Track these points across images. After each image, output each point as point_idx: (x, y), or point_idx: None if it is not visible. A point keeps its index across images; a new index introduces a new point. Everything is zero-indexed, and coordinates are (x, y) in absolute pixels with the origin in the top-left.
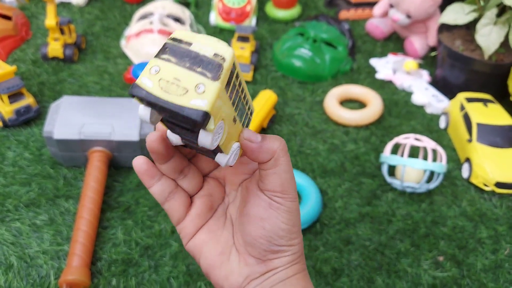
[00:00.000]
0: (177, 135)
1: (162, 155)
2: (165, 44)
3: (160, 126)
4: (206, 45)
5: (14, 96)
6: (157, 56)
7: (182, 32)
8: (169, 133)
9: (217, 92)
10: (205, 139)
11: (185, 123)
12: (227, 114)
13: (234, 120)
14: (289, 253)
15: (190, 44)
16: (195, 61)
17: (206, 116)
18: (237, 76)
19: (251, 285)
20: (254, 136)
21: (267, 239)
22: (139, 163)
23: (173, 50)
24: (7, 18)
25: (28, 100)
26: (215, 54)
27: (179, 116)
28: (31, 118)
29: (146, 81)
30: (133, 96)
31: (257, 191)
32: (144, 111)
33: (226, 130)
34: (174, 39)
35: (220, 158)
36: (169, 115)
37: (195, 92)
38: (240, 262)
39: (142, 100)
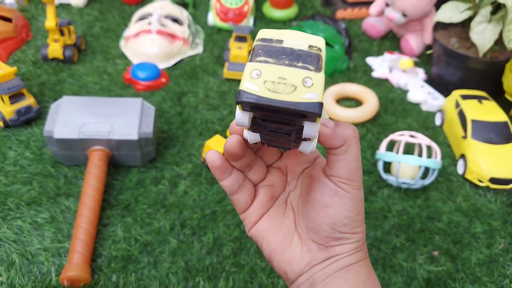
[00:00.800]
0: (257, 134)
1: (238, 156)
2: (255, 46)
3: (235, 129)
4: (297, 39)
5: (15, 97)
6: (251, 60)
7: (267, 31)
8: (246, 133)
9: (323, 82)
10: (312, 129)
11: (294, 118)
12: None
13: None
14: (352, 240)
15: (281, 41)
16: (293, 57)
17: (321, 106)
18: None
19: (313, 270)
20: (328, 121)
21: (331, 226)
22: (212, 158)
23: (266, 50)
24: (7, 20)
25: (28, 100)
26: (310, 46)
27: (293, 113)
28: (31, 118)
29: (251, 86)
30: (241, 102)
31: (322, 178)
32: (243, 116)
33: (323, 115)
34: (263, 40)
35: (305, 147)
36: (279, 114)
37: (304, 87)
38: (302, 248)
39: (251, 105)
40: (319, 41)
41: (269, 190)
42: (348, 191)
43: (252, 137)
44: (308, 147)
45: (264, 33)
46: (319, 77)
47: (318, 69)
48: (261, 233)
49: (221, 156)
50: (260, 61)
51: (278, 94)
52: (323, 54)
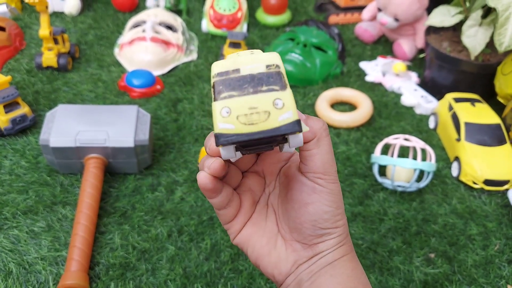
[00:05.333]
0: (239, 153)
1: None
2: (214, 83)
3: (214, 151)
4: (253, 62)
5: (10, 106)
6: (216, 99)
7: (220, 63)
8: (225, 154)
9: (292, 97)
10: (297, 141)
11: (277, 138)
12: None
13: None
14: (335, 235)
15: (238, 70)
16: (256, 83)
17: (299, 123)
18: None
19: (299, 270)
20: (299, 114)
21: (312, 223)
22: (204, 182)
23: (227, 84)
24: (1, 29)
25: (23, 109)
26: (268, 66)
27: (274, 138)
28: (26, 127)
29: (226, 126)
30: (222, 145)
31: (298, 176)
32: (227, 152)
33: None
34: (219, 74)
35: (291, 146)
36: (261, 142)
37: (276, 109)
38: (286, 249)
39: (232, 144)
40: (274, 58)
41: (249, 196)
42: (325, 186)
43: (234, 155)
44: (294, 146)
45: (218, 66)
46: (287, 95)
47: (283, 87)
48: (245, 240)
49: (212, 179)
50: (225, 97)
51: (255, 126)
52: (282, 69)
